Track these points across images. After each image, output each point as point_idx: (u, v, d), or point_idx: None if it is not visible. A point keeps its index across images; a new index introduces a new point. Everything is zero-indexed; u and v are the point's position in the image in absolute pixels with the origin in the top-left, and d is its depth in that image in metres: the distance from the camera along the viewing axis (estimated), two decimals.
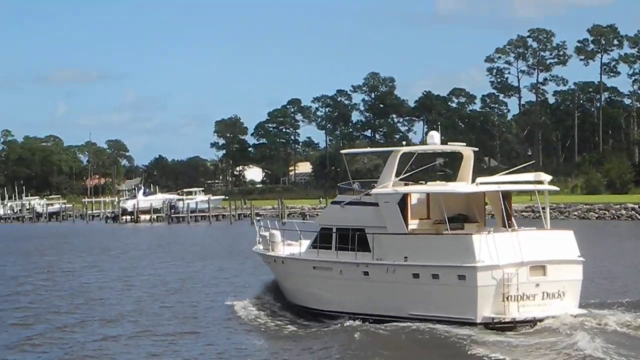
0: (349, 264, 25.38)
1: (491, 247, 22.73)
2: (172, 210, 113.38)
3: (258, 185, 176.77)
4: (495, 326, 22.62)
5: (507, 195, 25.36)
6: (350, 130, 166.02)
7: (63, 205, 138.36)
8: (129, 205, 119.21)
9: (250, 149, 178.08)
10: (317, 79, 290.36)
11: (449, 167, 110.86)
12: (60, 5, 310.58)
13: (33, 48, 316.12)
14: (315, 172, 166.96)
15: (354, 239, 25.27)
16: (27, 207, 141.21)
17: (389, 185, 25.65)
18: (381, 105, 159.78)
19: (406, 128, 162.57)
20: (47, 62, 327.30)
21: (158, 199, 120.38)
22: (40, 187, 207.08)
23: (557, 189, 26.92)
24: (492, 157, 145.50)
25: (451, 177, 29.16)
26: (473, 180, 25.39)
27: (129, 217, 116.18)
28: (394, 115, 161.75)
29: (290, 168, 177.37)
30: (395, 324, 23.47)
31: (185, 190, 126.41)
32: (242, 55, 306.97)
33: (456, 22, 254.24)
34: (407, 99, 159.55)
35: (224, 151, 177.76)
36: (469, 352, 20.55)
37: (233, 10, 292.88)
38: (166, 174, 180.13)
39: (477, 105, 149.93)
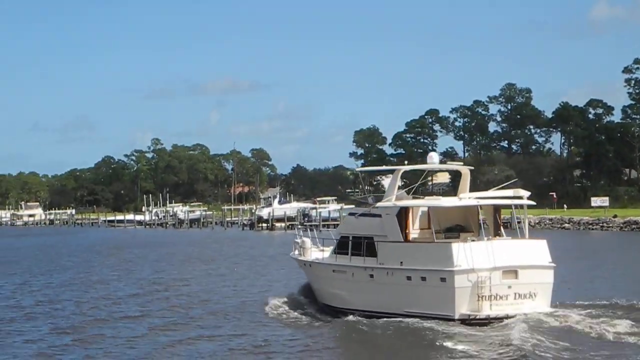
0: (358, 268, 29.39)
1: (468, 254, 26.37)
2: (306, 219, 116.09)
3: None
4: (472, 322, 25.97)
5: (497, 209, 29.12)
6: (487, 140, 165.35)
7: (204, 213, 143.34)
8: (264, 213, 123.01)
9: (388, 159, 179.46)
10: (455, 89, 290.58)
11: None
12: (214, 19, 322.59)
13: (188, 59, 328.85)
14: (453, 182, 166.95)
15: (364, 246, 29.15)
16: (171, 214, 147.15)
17: (392, 199, 29.27)
18: (518, 116, 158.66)
19: (543, 139, 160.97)
20: (200, 72, 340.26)
21: (293, 207, 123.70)
22: (186, 194, 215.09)
23: (534, 203, 29.93)
24: (632, 168, 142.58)
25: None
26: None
27: (264, 225, 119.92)
28: (531, 126, 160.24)
29: (429, 178, 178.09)
30: (391, 319, 27.15)
31: (318, 199, 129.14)
32: (383, 64, 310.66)
33: (603, 32, 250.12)
34: (544, 110, 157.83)
35: (362, 161, 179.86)
36: (436, 344, 24.05)
37: (379, 23, 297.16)
38: (304, 183, 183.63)
39: (615, 117, 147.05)
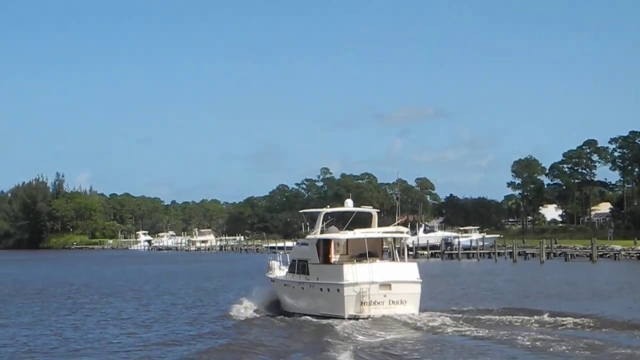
0: (298, 282, 39.75)
1: (354, 272, 36.62)
2: (448, 247, 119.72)
3: (560, 225, 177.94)
4: (358, 320, 35.53)
5: (395, 240, 40.70)
6: None
7: None
8: (409, 241, 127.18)
9: (545, 189, 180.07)
10: (611, 118, 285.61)
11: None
12: (388, 49, 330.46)
13: (373, 87, 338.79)
14: (612, 212, 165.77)
15: (303, 267, 39.47)
16: None
17: (317, 232, 39.98)
18: None
19: None
20: (385, 101, 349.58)
21: (437, 236, 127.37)
22: (353, 222, 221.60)
23: (408, 236, 42.24)
24: None
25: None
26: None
27: (410, 253, 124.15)
28: None
29: (593, 208, 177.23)
30: (314, 319, 36.83)
31: (462, 228, 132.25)
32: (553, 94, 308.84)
33: None
34: None
35: (520, 190, 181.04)
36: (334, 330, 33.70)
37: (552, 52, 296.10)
38: (456, 212, 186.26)
39: None
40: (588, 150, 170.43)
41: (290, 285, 40.68)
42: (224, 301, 47.62)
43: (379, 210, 43.43)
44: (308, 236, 41.01)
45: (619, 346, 28.53)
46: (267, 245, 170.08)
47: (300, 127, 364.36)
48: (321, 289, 37.92)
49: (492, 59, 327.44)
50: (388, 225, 43.24)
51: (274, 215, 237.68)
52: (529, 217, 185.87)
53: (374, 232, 40.19)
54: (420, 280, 37.28)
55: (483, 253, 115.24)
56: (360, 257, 38.40)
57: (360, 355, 28.06)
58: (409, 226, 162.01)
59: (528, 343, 29.33)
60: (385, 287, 36.60)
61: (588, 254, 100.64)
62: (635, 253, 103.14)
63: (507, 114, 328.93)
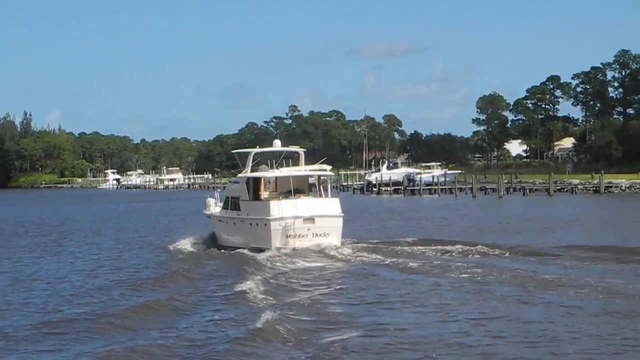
0: (230, 218, 41.99)
1: (280, 207, 38.89)
2: (410, 183, 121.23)
3: (524, 160, 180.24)
4: (283, 252, 37.37)
5: (319, 178, 43.27)
6: (605, 107, 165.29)
7: None
8: (372, 178, 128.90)
9: (509, 125, 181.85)
10: (573, 54, 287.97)
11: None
12: None
13: (346, 22, 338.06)
14: (575, 147, 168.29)
15: (235, 203, 41.59)
16: None
17: (247, 171, 42.17)
18: (633, 83, 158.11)
19: None
20: (358, 36, 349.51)
21: (400, 172, 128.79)
22: (320, 159, 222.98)
23: (331, 174, 44.99)
24: None
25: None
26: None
27: (373, 189, 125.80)
28: None
29: (556, 143, 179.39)
30: (243, 250, 38.97)
31: (424, 164, 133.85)
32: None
33: None
34: None
35: (484, 127, 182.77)
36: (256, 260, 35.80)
37: None
38: (421, 149, 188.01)
39: None
40: (551, 86, 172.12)
41: (224, 220, 42.94)
42: (170, 237, 48.81)
43: (305, 150, 44.96)
44: (239, 175, 43.25)
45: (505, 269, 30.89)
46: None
47: (272, 62, 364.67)
48: (250, 224, 40.17)
49: None
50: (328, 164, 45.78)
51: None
52: (495, 153, 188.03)
53: (300, 170, 42.19)
54: (342, 215, 39.58)
55: (445, 189, 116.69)
56: (288, 193, 40.46)
57: (268, 281, 29.78)
58: (373, 163, 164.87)
59: (415, 266, 32.58)
60: (309, 221, 38.86)
61: (546, 188, 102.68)
62: (592, 187, 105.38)
63: (479, 50, 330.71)
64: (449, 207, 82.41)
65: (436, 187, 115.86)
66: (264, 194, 41.40)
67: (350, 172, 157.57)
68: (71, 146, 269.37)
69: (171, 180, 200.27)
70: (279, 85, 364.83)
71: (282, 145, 44.32)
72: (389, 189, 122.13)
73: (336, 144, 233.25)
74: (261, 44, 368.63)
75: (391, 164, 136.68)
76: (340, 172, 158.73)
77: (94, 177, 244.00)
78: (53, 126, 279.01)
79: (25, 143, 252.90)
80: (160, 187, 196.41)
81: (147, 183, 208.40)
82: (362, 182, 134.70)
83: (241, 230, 41.04)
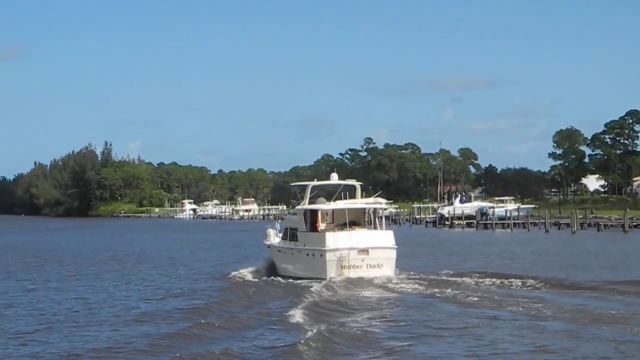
0: (288, 248, 43.67)
1: (335, 239, 40.34)
2: (483, 217, 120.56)
3: (601, 196, 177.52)
4: (337, 281, 38.30)
5: (375, 210, 44.08)
6: None
7: (395, 210, 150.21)
8: (445, 211, 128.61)
9: (587, 159, 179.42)
10: None
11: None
12: (442, 17, 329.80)
13: (426, 55, 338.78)
14: None
15: (293, 234, 43.14)
16: None
17: (305, 203, 43.95)
18: None
19: None
20: (438, 69, 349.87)
21: (473, 206, 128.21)
22: (396, 192, 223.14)
23: (386, 206, 45.97)
24: None
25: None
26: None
27: (446, 223, 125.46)
28: None
29: (635, 179, 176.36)
30: (300, 280, 40.19)
31: (497, 198, 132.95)
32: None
33: None
34: None
35: (561, 161, 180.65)
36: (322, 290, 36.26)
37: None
38: (495, 183, 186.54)
39: None
40: (630, 121, 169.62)
41: (282, 250, 44.59)
42: (234, 266, 50.03)
43: (361, 183, 47.16)
44: (297, 207, 45.37)
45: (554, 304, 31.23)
46: None
47: (351, 94, 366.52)
48: (307, 254, 41.75)
49: (541, 29, 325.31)
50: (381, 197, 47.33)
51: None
52: (571, 188, 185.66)
53: (356, 203, 43.82)
54: (396, 247, 40.93)
55: (518, 223, 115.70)
56: (344, 225, 41.67)
57: (315, 307, 31.10)
58: (446, 196, 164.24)
59: (471, 299, 32.85)
60: (363, 253, 40.21)
61: (621, 224, 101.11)
62: None
63: (559, 84, 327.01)
64: (520, 241, 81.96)
65: (509, 222, 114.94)
66: (321, 226, 42.72)
67: (424, 205, 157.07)
68: (150, 176, 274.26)
69: (246, 210, 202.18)
70: (357, 118, 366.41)
71: (339, 179, 46.52)
72: (461, 222, 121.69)
73: (411, 176, 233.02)
74: (340, 76, 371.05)
75: (464, 198, 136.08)
76: (413, 205, 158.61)
77: (171, 206, 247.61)
78: (133, 156, 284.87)
79: (105, 172, 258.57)
80: (236, 217, 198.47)
81: (223, 213, 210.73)
82: (435, 215, 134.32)
83: (298, 260, 42.59)
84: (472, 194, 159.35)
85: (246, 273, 44.96)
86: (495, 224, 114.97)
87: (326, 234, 40.78)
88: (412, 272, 42.26)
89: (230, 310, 31.52)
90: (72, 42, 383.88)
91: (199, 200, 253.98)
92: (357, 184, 46.05)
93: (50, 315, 31.61)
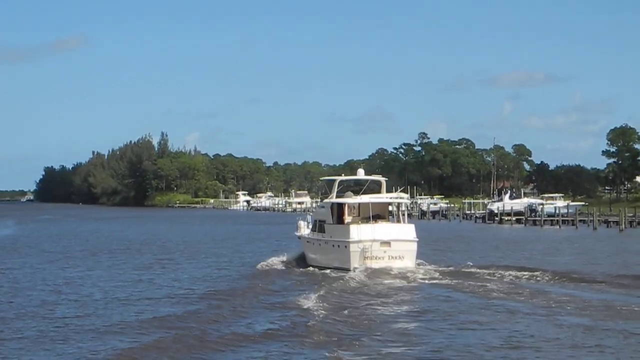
0: (317, 239, 45.74)
1: (359, 231, 42.32)
2: (532, 214, 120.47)
3: None
4: (359, 271, 40.27)
5: (398, 205, 46.42)
6: None
7: (445, 205, 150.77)
8: (494, 207, 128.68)
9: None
10: None
11: None
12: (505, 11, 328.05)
13: (483, 51, 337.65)
14: None
15: (321, 226, 45.27)
16: (415, 206, 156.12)
17: (333, 197, 46.10)
18: None
19: None
20: (495, 65, 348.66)
21: (523, 202, 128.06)
22: (450, 187, 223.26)
23: (408, 201, 45.20)
24: None
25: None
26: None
27: (495, 219, 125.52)
28: None
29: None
30: (327, 270, 42.41)
31: (547, 195, 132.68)
32: None
33: None
34: None
35: (614, 159, 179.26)
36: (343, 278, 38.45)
37: None
38: (546, 180, 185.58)
39: None
40: None
41: (311, 242, 46.75)
42: (270, 256, 52.03)
43: (386, 179, 49.06)
44: (325, 200, 47.99)
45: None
46: None
47: (407, 90, 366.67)
48: (333, 245, 43.77)
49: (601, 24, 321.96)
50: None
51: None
52: (626, 186, 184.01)
53: (382, 197, 46.06)
54: (417, 239, 42.77)
55: (567, 220, 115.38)
56: (369, 219, 43.61)
57: (329, 294, 33.26)
58: (496, 193, 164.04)
59: (486, 291, 34.39)
60: (385, 245, 42.14)
61: None
62: None
63: (618, 80, 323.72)
64: (566, 238, 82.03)
65: (557, 219, 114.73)
66: (348, 219, 44.81)
67: (474, 201, 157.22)
68: (205, 167, 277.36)
69: (299, 203, 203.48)
70: (413, 113, 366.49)
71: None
72: (510, 218, 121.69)
73: (464, 172, 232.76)
74: (397, 71, 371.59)
75: (514, 194, 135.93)
76: (464, 201, 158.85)
77: (226, 198, 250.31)
78: (189, 147, 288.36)
79: (161, 163, 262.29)
80: (289, 209, 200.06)
81: (276, 205, 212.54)
82: (485, 211, 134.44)
83: (325, 251, 44.63)
84: (523, 191, 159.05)
85: (276, 262, 47.22)
86: (544, 220, 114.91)
87: (350, 226, 42.91)
88: (436, 265, 43.99)
89: (251, 294, 33.85)
90: (133, 33, 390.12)
91: (253, 192, 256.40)
92: (383, 180, 48.18)
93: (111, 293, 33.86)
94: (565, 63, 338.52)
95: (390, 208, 46.60)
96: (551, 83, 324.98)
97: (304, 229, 48.97)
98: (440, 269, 42.46)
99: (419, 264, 42.95)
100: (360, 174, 48.81)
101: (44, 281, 39.70)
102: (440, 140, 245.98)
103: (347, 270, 41.29)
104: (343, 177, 49.30)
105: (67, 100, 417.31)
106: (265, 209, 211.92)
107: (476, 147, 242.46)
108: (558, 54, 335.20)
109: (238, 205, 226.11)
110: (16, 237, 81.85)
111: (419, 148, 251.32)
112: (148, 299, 32.82)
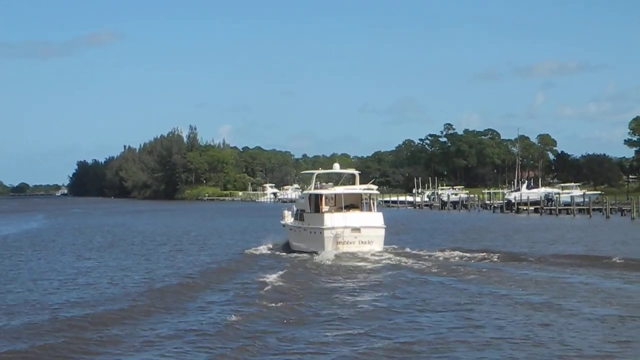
0: (297, 227, 50.74)
1: (332, 219, 47.23)
2: (549, 203, 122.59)
3: None
4: (332, 254, 44.86)
5: (370, 195, 50.62)
6: None
7: (465, 195, 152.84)
8: (512, 197, 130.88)
9: None
10: None
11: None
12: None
13: (515, 40, 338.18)
14: None
15: (301, 215, 50.41)
16: (436, 196, 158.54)
17: (311, 189, 51.78)
18: None
19: None
20: (528, 54, 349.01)
21: (539, 192, 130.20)
22: (475, 177, 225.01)
23: (377, 192, 51.08)
24: None
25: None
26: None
27: (513, 208, 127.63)
28: None
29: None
30: (305, 254, 46.89)
31: (562, 185, 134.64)
32: None
33: None
34: None
35: (636, 148, 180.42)
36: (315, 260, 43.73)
37: None
38: (566, 169, 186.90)
39: None
40: None
41: (293, 229, 51.68)
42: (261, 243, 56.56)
43: (360, 172, 55.71)
44: (304, 191, 54.32)
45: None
46: (381, 200, 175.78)
47: (439, 80, 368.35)
48: (310, 232, 48.65)
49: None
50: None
51: (395, 170, 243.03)
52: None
53: (354, 188, 51.43)
54: (384, 226, 47.63)
55: (582, 209, 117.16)
56: (344, 208, 48.76)
57: (292, 271, 38.64)
58: (519, 182, 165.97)
59: (436, 271, 38.49)
60: (356, 231, 46.84)
61: None
62: None
63: None
64: (577, 227, 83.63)
65: (573, 207, 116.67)
66: (325, 208, 49.42)
67: (494, 191, 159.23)
68: (234, 160, 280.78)
69: None
70: (445, 103, 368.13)
71: (341, 168, 54.34)
72: (527, 208, 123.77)
73: (489, 162, 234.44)
74: (429, 62, 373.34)
75: (531, 184, 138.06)
76: (484, 191, 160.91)
77: (254, 190, 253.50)
78: (218, 140, 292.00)
79: (191, 156, 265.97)
80: None
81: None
82: (503, 201, 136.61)
83: (304, 237, 49.39)
84: (547, 180, 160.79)
85: (263, 249, 52.07)
86: (560, 210, 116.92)
87: (325, 215, 47.79)
88: (406, 249, 48.71)
89: (225, 274, 39.02)
90: (166, 27, 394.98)
91: (281, 184, 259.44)
92: (356, 173, 54.55)
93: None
94: (598, 51, 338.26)
95: (363, 198, 50.88)
96: (584, 72, 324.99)
97: (289, 218, 53.85)
98: (406, 252, 46.96)
99: (387, 249, 47.36)
100: (336, 168, 53.71)
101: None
102: (466, 131, 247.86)
103: (322, 253, 45.97)
104: (321, 171, 54.95)
105: (100, 94, 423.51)
106: (292, 200, 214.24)
107: (502, 138, 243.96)
108: (591, 43, 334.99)
109: (265, 197, 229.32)
110: (39, 230, 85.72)
111: (444, 139, 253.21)
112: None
